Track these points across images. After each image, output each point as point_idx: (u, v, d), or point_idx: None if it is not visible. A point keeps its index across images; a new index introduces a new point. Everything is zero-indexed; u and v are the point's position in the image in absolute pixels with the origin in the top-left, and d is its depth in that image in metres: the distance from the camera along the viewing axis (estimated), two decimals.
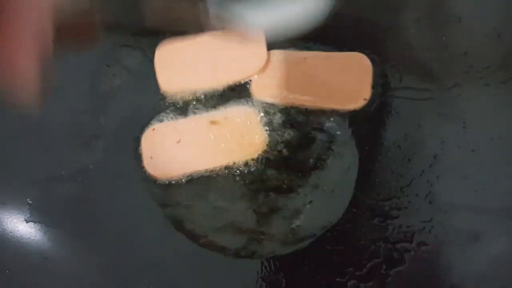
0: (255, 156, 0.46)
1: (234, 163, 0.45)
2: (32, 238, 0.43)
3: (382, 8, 0.47)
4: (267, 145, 0.46)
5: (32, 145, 0.47)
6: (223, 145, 0.46)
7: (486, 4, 0.44)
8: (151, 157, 0.46)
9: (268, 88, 0.48)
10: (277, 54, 0.49)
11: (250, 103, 0.48)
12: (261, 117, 0.47)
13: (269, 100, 0.48)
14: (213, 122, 0.47)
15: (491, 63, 0.42)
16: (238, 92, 0.49)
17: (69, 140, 0.47)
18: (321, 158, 0.45)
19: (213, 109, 0.48)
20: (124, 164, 0.46)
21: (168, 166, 0.46)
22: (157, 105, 0.49)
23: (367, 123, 0.46)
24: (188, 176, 0.45)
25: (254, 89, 0.48)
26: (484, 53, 0.42)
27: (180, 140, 0.47)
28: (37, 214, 0.44)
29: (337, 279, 0.39)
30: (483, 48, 0.43)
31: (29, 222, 0.43)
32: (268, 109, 0.48)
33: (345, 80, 0.46)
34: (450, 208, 0.39)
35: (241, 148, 0.46)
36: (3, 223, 0.43)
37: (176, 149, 0.47)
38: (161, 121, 0.48)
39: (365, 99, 0.45)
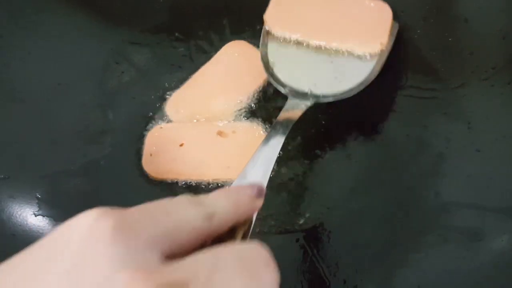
0: None
1: (229, 180, 0.44)
2: (41, 231, 0.43)
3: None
4: None
5: (40, 140, 0.47)
6: (223, 159, 0.45)
7: (492, 5, 0.44)
8: (151, 155, 0.46)
9: (283, 21, 0.46)
10: None
11: (262, 123, 0.48)
12: None
13: (283, 33, 0.46)
14: (220, 133, 0.47)
15: (497, 63, 0.42)
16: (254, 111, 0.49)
17: (78, 135, 0.47)
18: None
19: (225, 120, 0.48)
20: (132, 160, 0.46)
21: (164, 167, 0.45)
22: (165, 102, 0.49)
23: (371, 123, 0.46)
24: (187, 182, 0.45)
25: (269, 20, 0.47)
26: (490, 53, 0.43)
27: (183, 144, 0.47)
28: (45, 208, 0.44)
29: (340, 276, 0.39)
30: (489, 48, 0.43)
31: (37, 216, 0.44)
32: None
33: (363, 23, 0.45)
34: (454, 207, 0.39)
35: (239, 166, 0.44)
36: (12, 217, 0.44)
37: (177, 152, 0.46)
38: (169, 120, 0.49)
39: (381, 44, 0.43)
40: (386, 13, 0.45)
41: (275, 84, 0.45)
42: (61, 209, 0.44)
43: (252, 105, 0.49)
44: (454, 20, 0.46)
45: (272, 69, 0.45)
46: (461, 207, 0.39)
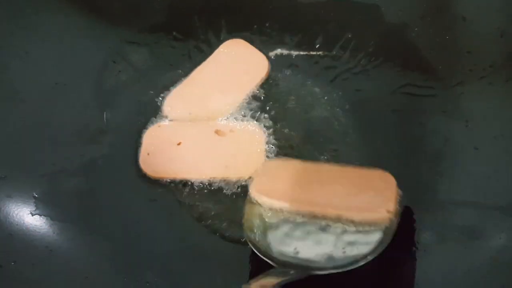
0: (247, 176, 0.44)
1: (227, 178, 0.44)
2: (38, 231, 0.43)
3: (387, 7, 0.48)
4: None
5: (38, 139, 0.47)
6: (221, 158, 0.45)
7: (490, 4, 0.44)
8: (148, 154, 0.46)
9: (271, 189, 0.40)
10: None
11: (260, 122, 0.47)
12: (267, 138, 0.47)
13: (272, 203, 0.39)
14: (217, 132, 0.47)
15: (494, 62, 0.42)
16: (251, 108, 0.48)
17: (75, 135, 0.47)
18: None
19: (222, 118, 0.48)
20: (130, 159, 0.46)
21: (162, 166, 0.45)
22: (163, 101, 0.49)
23: (370, 122, 0.46)
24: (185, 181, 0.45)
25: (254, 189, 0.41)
26: (487, 52, 0.43)
27: (180, 143, 0.46)
28: (42, 208, 0.44)
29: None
30: (486, 47, 0.43)
31: (34, 215, 0.44)
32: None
33: (366, 193, 0.39)
34: (453, 205, 0.39)
35: (236, 165, 0.45)
36: (9, 216, 0.43)
37: (174, 151, 0.46)
38: (167, 119, 0.48)
39: (388, 212, 0.36)
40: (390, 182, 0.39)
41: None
42: (58, 209, 0.44)
43: (250, 103, 0.49)
44: (452, 19, 0.46)
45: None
46: (459, 206, 0.39)
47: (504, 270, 0.35)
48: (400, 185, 0.40)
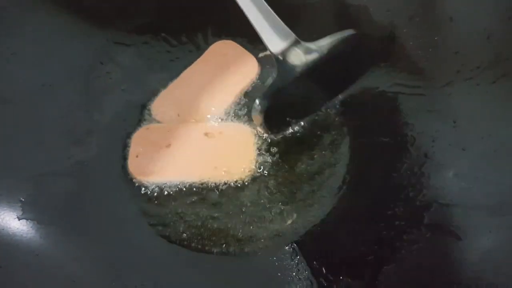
0: (237, 178, 0.45)
1: (217, 181, 0.44)
2: (24, 235, 0.43)
3: (376, 7, 0.48)
4: (252, 170, 0.45)
5: (25, 141, 0.46)
6: (210, 160, 0.45)
7: (477, 5, 0.44)
8: (137, 156, 0.46)
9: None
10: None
11: (249, 123, 0.47)
12: (256, 138, 0.47)
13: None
14: (207, 134, 0.47)
15: (481, 62, 0.42)
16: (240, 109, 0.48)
17: (63, 136, 0.47)
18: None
19: (212, 120, 0.48)
20: (118, 161, 0.46)
21: (151, 169, 0.45)
22: (151, 103, 0.49)
23: (358, 122, 0.46)
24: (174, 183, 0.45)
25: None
26: (474, 53, 0.43)
27: (169, 145, 0.46)
28: (29, 211, 0.43)
29: (328, 276, 0.39)
30: (474, 48, 0.43)
31: (21, 219, 0.43)
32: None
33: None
34: (440, 205, 0.39)
35: (226, 166, 0.45)
36: None
37: (163, 153, 0.46)
38: (156, 121, 0.48)
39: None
40: None
41: None
42: (45, 212, 0.43)
43: (239, 104, 0.49)
44: (440, 20, 0.46)
45: None
46: (446, 206, 0.39)
47: (491, 268, 0.35)
48: (387, 183, 0.41)
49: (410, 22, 0.46)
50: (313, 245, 0.42)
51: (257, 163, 0.46)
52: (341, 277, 0.39)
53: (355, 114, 0.47)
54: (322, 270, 0.40)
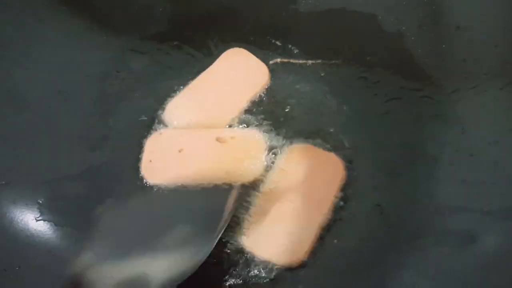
0: (248, 180, 0.45)
1: (228, 185, 0.45)
2: (42, 236, 0.44)
3: (384, 16, 0.48)
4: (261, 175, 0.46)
5: (42, 146, 0.48)
6: (222, 164, 0.46)
7: (485, 13, 0.45)
8: (150, 161, 0.47)
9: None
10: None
11: (260, 128, 0.48)
12: (267, 144, 0.47)
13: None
14: (218, 139, 0.47)
15: (489, 70, 0.42)
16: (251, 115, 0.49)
17: (78, 142, 0.48)
18: None
19: (223, 125, 0.48)
20: (132, 166, 0.47)
21: (164, 173, 0.46)
22: (164, 109, 0.50)
23: (366, 128, 0.47)
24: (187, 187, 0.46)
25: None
26: (482, 60, 0.43)
27: (182, 150, 0.47)
28: (46, 213, 0.45)
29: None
30: (481, 55, 0.43)
31: (39, 221, 0.44)
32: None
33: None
34: (448, 210, 0.40)
35: (237, 171, 0.45)
36: (14, 222, 0.44)
37: (176, 158, 0.47)
38: (168, 126, 0.49)
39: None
40: None
41: None
42: (62, 214, 0.45)
43: (250, 111, 0.50)
44: (448, 28, 0.46)
45: None
46: (455, 210, 0.39)
47: (499, 273, 0.36)
48: (395, 189, 0.41)
49: (418, 30, 0.47)
50: (320, 250, 0.42)
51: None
52: (349, 282, 0.39)
53: (365, 121, 0.47)
54: (331, 274, 0.40)
